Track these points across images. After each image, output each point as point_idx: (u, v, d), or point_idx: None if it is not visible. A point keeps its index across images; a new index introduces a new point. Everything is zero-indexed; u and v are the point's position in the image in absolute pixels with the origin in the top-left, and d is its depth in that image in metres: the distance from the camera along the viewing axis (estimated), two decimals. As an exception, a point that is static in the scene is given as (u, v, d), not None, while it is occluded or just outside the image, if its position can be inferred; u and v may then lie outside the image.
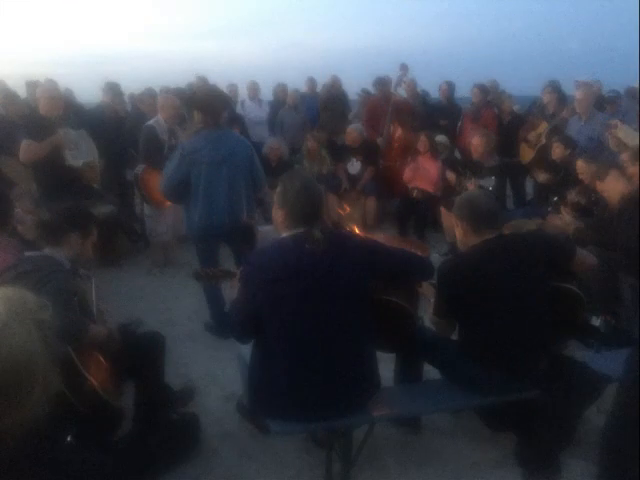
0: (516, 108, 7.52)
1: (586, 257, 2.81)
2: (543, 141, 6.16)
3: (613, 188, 4.06)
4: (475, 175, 5.62)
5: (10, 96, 6.23)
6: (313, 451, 2.85)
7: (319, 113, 8.13)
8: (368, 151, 6.81)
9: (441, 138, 6.78)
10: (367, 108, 7.72)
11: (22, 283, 2.31)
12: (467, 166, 5.91)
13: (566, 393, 2.63)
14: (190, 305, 4.63)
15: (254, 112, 8.04)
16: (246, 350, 2.68)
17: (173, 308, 4.68)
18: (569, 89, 6.81)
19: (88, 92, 7.90)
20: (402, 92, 7.44)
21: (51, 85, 5.39)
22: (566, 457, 2.73)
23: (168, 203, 5.17)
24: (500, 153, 6.07)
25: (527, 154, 6.41)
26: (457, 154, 7.23)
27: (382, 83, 7.42)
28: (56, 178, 4.77)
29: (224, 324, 3.94)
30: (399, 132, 6.94)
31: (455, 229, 2.83)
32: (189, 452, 2.83)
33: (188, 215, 4.04)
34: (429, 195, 6.31)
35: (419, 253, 3.03)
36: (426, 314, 2.86)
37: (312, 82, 9.00)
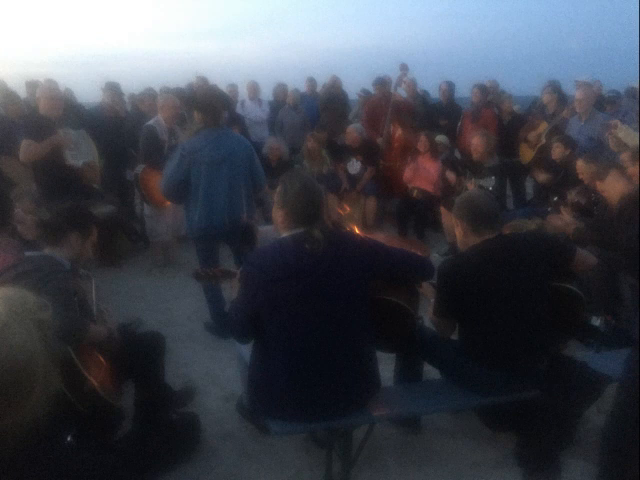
0: (516, 108, 7.52)
1: (586, 257, 2.81)
2: (543, 141, 6.17)
3: (613, 188, 4.06)
4: (475, 175, 5.63)
5: (10, 96, 6.23)
6: (313, 451, 2.85)
7: (319, 113, 8.13)
8: (368, 151, 6.81)
9: (441, 138, 6.78)
10: (367, 108, 7.72)
11: (22, 283, 2.31)
12: (467, 166, 5.91)
13: (566, 393, 2.63)
14: (190, 305, 4.64)
15: (254, 112, 8.03)
16: (246, 350, 2.68)
17: (173, 308, 4.68)
18: (569, 89, 6.81)
19: (88, 92, 7.91)
20: (402, 92, 7.45)
21: (51, 85, 5.40)
22: (566, 457, 2.73)
23: (168, 203, 5.18)
24: (500, 153, 6.07)
25: (527, 154, 6.41)
26: (457, 154, 7.23)
27: (382, 83, 7.41)
28: (56, 178, 4.77)
29: (224, 324, 3.96)
30: (399, 132, 6.94)
31: (455, 229, 2.83)
32: (189, 452, 2.83)
33: (188, 215, 4.04)
34: (429, 195, 6.31)
35: (419, 253, 3.02)
36: (426, 314, 2.86)
37: (312, 82, 8.99)
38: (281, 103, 8.26)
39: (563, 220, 4.55)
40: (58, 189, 4.61)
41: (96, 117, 6.37)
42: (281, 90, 8.45)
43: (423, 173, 6.42)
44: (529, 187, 6.80)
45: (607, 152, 5.31)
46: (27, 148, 4.69)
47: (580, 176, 4.74)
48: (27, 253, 2.76)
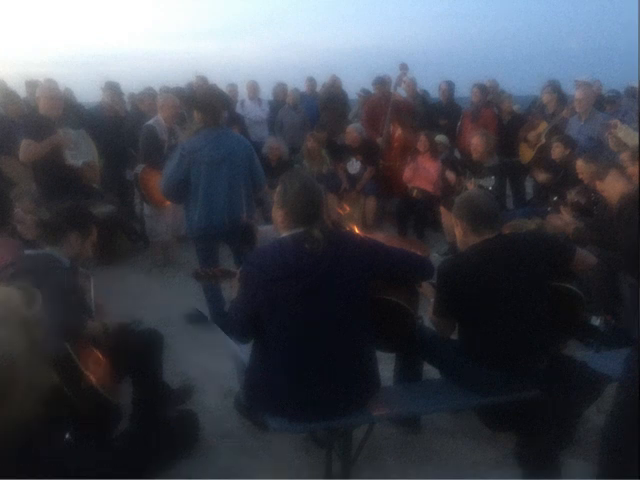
0: (516, 108, 7.52)
1: (586, 257, 2.80)
2: (543, 141, 6.16)
3: (613, 188, 4.06)
4: (475, 175, 5.62)
5: (10, 96, 6.23)
6: (313, 450, 2.84)
7: (319, 113, 8.13)
8: (368, 151, 6.81)
9: (441, 138, 6.78)
10: (367, 108, 7.71)
11: (20, 281, 2.30)
12: (467, 166, 5.91)
13: (566, 393, 2.63)
14: (189, 304, 4.63)
15: (254, 112, 8.03)
16: (241, 347, 2.69)
17: (172, 307, 4.67)
18: (569, 89, 6.81)
19: (88, 92, 7.91)
20: (402, 92, 7.44)
21: (51, 85, 5.39)
22: (566, 457, 2.73)
23: (168, 203, 5.18)
24: (500, 153, 6.07)
25: (527, 154, 6.41)
26: (457, 154, 7.22)
27: (382, 82, 7.41)
28: (56, 178, 4.76)
29: (224, 324, 3.97)
30: (399, 132, 6.94)
31: (455, 229, 2.83)
32: (187, 450, 2.82)
33: (188, 215, 4.04)
34: (429, 195, 6.31)
35: (419, 253, 3.02)
36: (426, 314, 2.86)
37: (312, 82, 8.99)
38: (281, 103, 8.26)
39: (563, 220, 4.55)
40: (58, 189, 4.61)
41: (96, 117, 6.37)
42: (281, 90, 8.44)
43: (423, 173, 6.42)
44: (529, 187, 6.80)
45: (607, 152, 5.31)
46: (27, 148, 4.68)
47: (580, 176, 4.74)
48: (26, 251, 2.76)
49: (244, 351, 2.56)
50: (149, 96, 6.36)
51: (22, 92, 7.00)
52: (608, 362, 2.76)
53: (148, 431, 2.77)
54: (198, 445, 2.89)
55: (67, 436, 1.85)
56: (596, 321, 3.82)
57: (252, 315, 2.36)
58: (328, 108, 7.98)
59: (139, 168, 5.27)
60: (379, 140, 7.01)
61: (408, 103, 7.40)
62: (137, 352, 2.82)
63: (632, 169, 4.19)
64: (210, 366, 3.71)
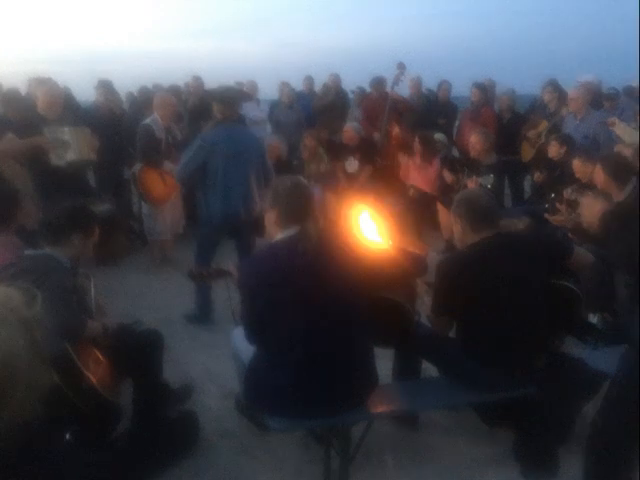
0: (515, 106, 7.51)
1: (583, 255, 2.82)
2: (543, 140, 6.18)
3: (590, 212, 3.93)
4: (473, 173, 5.62)
5: (8, 95, 6.20)
6: (312, 448, 2.86)
7: (317, 111, 8.10)
8: (365, 149, 6.80)
9: (439, 136, 6.77)
10: (364, 107, 7.71)
11: (20, 281, 2.31)
12: (465, 164, 5.91)
13: (563, 390, 2.64)
14: (188, 303, 4.63)
15: (252, 112, 8.00)
16: (242, 348, 2.70)
17: (171, 306, 4.67)
18: (569, 88, 6.79)
19: (86, 91, 7.88)
20: (400, 91, 7.43)
21: (51, 84, 5.37)
22: (564, 453, 2.74)
23: (166, 201, 5.19)
24: (500, 151, 6.06)
25: (528, 153, 6.43)
26: (455, 152, 7.22)
27: (379, 83, 7.41)
28: (46, 178, 4.72)
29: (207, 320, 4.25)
30: (396, 131, 6.94)
31: (453, 227, 2.84)
32: (188, 450, 2.83)
33: (207, 204, 4.21)
34: (426, 193, 6.31)
35: (416, 251, 3.04)
36: (423, 311, 2.87)
37: (310, 80, 8.97)
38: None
39: (560, 218, 4.56)
40: (50, 189, 4.56)
41: (92, 115, 6.35)
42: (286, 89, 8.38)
43: (420, 172, 6.42)
44: (527, 185, 6.81)
45: (602, 150, 5.33)
46: (6, 141, 4.67)
47: (577, 175, 4.75)
48: (27, 251, 2.75)
49: (250, 350, 2.58)
50: (146, 95, 6.35)
51: (22, 91, 6.96)
52: (605, 359, 2.77)
53: (148, 431, 2.78)
54: (198, 445, 2.89)
55: (67, 436, 1.86)
56: (593, 318, 3.83)
57: (256, 320, 2.40)
58: (327, 107, 7.96)
59: (137, 167, 5.25)
60: (376, 138, 7.01)
61: (406, 102, 7.40)
62: (137, 352, 2.82)
63: (603, 184, 4.12)
64: (210, 366, 3.72)
